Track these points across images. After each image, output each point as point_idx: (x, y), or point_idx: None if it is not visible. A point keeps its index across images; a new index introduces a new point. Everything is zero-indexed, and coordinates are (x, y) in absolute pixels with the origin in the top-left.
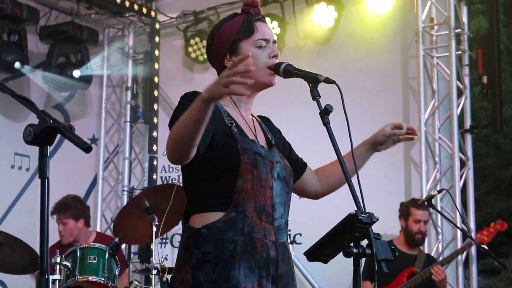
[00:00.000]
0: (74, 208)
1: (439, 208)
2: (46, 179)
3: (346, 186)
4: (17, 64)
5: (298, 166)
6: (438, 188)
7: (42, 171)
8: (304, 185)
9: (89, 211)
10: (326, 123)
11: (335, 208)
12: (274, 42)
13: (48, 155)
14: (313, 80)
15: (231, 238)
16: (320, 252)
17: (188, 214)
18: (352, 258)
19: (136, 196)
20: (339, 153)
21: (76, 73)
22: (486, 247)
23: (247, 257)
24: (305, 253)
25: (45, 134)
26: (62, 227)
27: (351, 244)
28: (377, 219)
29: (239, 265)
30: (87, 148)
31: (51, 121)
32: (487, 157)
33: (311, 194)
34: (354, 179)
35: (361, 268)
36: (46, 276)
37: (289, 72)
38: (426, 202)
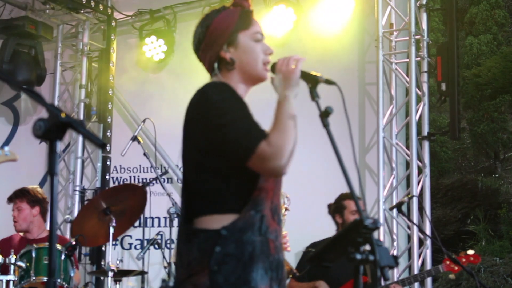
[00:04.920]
0: (31, 195)
1: (393, 216)
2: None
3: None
4: None
5: None
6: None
7: (51, 168)
8: None
9: (46, 204)
10: (326, 125)
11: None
12: None
13: (58, 151)
14: (312, 81)
15: (250, 238)
16: (323, 257)
17: (195, 214)
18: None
19: (94, 197)
20: (339, 155)
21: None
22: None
23: (263, 258)
24: (307, 259)
25: (56, 129)
26: (17, 213)
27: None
28: (381, 225)
29: (257, 266)
30: (102, 145)
31: (63, 116)
32: None
33: None
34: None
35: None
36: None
37: None
38: (396, 209)
